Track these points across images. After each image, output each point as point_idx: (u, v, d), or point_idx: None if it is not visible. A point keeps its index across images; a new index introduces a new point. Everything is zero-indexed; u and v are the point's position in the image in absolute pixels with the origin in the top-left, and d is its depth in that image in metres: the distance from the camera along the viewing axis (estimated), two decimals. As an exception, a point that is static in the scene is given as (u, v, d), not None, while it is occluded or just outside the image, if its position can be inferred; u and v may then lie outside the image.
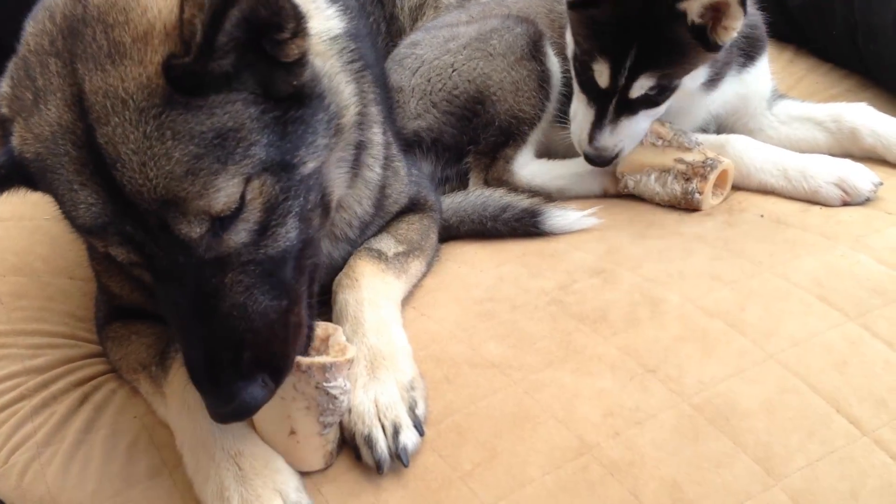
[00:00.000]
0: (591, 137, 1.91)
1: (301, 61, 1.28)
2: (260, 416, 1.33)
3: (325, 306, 1.61)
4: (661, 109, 1.93)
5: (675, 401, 1.40)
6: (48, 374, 1.72)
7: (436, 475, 1.35)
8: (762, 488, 1.28)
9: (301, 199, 1.30)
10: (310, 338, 1.37)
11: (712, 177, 1.89)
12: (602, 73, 1.86)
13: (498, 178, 2.14)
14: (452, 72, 2.18)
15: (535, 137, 2.17)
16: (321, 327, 1.42)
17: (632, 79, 1.82)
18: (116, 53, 1.19)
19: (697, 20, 1.76)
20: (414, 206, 1.91)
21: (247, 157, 1.22)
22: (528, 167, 2.15)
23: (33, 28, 1.30)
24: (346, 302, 1.59)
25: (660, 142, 1.96)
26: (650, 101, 1.88)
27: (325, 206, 1.41)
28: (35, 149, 1.24)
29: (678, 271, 1.68)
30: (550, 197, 2.06)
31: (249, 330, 1.24)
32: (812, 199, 1.87)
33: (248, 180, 1.23)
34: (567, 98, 2.10)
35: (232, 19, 1.15)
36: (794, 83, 2.51)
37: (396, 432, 1.37)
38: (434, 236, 1.90)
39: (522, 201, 1.98)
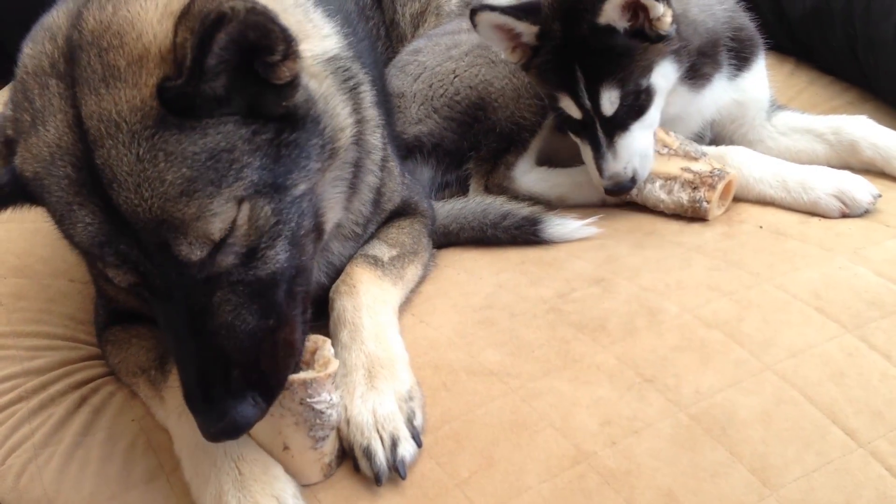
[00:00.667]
0: (600, 170, 1.91)
1: (293, 83, 1.30)
2: (254, 433, 1.34)
3: (324, 315, 1.62)
4: (653, 116, 1.92)
5: (673, 410, 1.41)
6: (47, 376, 1.72)
7: (433, 482, 1.35)
8: (758, 499, 1.28)
9: (293, 223, 1.32)
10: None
11: (720, 186, 1.89)
12: (570, 106, 1.90)
13: (498, 185, 2.14)
14: (454, 78, 2.19)
15: (536, 144, 2.17)
16: (311, 340, 1.42)
17: (595, 97, 1.85)
18: (111, 77, 1.21)
19: (625, 25, 1.80)
20: (405, 210, 1.91)
21: (239, 179, 1.23)
22: (529, 174, 2.15)
23: (31, 50, 1.31)
24: (343, 308, 1.59)
25: (665, 150, 1.96)
26: (633, 110, 1.88)
27: (318, 229, 1.42)
28: (34, 168, 1.26)
29: (677, 281, 1.69)
30: (551, 204, 2.06)
31: (238, 349, 1.26)
32: (811, 211, 1.87)
33: (240, 202, 1.24)
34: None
35: (220, 42, 1.17)
36: (794, 95, 2.52)
37: (394, 444, 1.37)
38: (426, 241, 1.90)
39: (523, 209, 1.98)
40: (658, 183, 1.94)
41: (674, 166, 1.93)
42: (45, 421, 1.62)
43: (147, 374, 1.57)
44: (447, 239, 2.01)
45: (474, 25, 1.93)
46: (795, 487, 1.29)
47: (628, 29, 1.82)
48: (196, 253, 1.22)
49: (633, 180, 1.91)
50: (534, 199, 2.07)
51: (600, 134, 1.89)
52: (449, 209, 2.05)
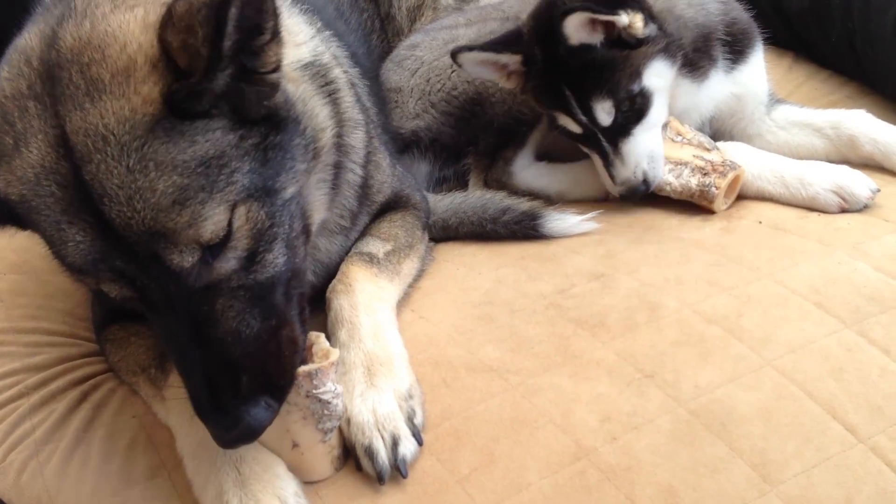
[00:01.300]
0: (612, 178, 1.93)
1: (276, 71, 1.30)
2: (262, 437, 1.33)
3: (321, 313, 1.62)
4: (655, 116, 1.92)
5: (672, 406, 1.41)
6: (47, 373, 1.72)
7: (433, 479, 1.36)
8: (758, 494, 1.29)
9: (286, 225, 1.32)
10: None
11: (731, 175, 1.88)
12: (568, 123, 1.94)
13: (497, 180, 2.14)
14: (452, 73, 2.19)
15: (534, 139, 2.17)
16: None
17: (588, 111, 1.87)
18: (95, 91, 1.20)
19: (600, 39, 1.82)
20: (397, 203, 1.91)
21: (230, 184, 1.23)
22: (528, 169, 2.15)
23: (8, 73, 1.30)
24: (340, 307, 1.59)
25: (679, 138, 1.96)
26: (632, 115, 1.89)
27: (306, 231, 1.43)
28: (19, 191, 1.25)
29: (676, 276, 1.69)
30: (550, 199, 2.06)
31: (245, 354, 1.26)
32: (810, 206, 1.87)
33: (233, 207, 1.24)
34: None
35: (233, 18, 1.17)
36: (793, 89, 2.51)
37: (395, 443, 1.37)
38: (421, 234, 1.90)
39: (522, 204, 1.98)
40: (667, 167, 1.93)
41: (686, 153, 1.93)
42: (46, 417, 1.62)
43: (147, 372, 1.57)
44: (446, 233, 2.01)
45: (458, 66, 1.98)
46: (795, 483, 1.30)
47: (604, 42, 1.83)
48: (187, 259, 1.22)
49: (646, 183, 1.91)
50: (533, 194, 2.06)
51: (604, 143, 1.91)
52: (448, 203, 2.05)
